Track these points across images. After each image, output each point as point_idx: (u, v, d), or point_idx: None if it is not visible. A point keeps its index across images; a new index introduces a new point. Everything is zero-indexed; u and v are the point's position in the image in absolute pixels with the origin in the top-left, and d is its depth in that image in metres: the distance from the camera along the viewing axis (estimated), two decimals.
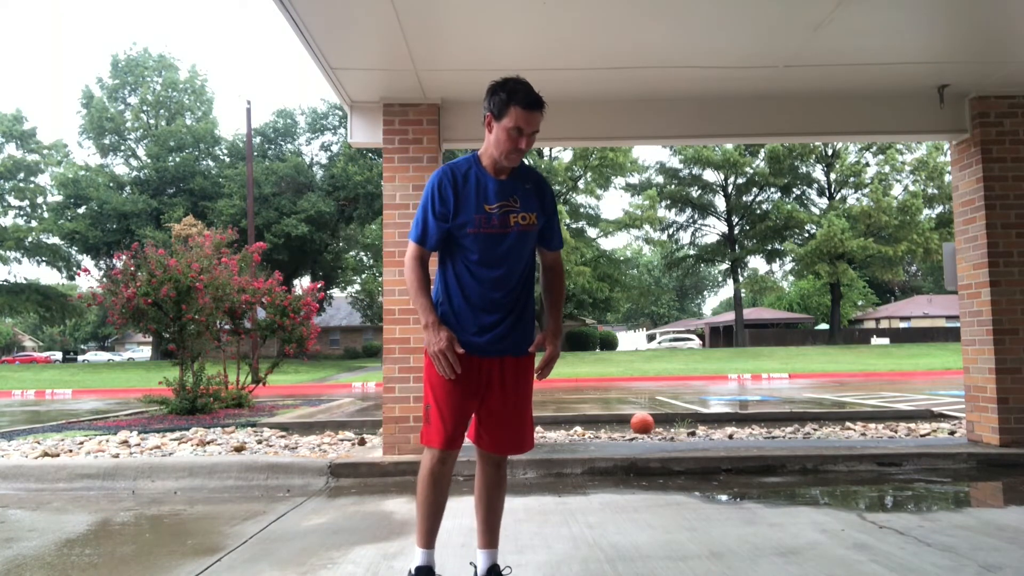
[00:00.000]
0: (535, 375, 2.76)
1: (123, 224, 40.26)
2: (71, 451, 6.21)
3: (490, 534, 2.78)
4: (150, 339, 46.10)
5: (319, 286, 11.79)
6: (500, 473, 2.79)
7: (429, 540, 2.73)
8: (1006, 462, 5.34)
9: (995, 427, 5.60)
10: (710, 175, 47.46)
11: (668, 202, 47.75)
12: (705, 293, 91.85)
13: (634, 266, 58.10)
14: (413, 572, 2.72)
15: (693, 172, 47.38)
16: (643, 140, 6.20)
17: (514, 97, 2.55)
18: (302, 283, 42.64)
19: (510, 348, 2.70)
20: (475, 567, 2.78)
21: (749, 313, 56.15)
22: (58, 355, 60.00)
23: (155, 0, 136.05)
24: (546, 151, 42.34)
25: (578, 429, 7.40)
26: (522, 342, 2.72)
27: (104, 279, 10.37)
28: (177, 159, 42.71)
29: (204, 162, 44.43)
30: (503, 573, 2.74)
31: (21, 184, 41.67)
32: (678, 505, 4.24)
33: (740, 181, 46.99)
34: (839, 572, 2.98)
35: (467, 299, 2.66)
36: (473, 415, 2.75)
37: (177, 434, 7.20)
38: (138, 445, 6.44)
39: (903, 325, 56.69)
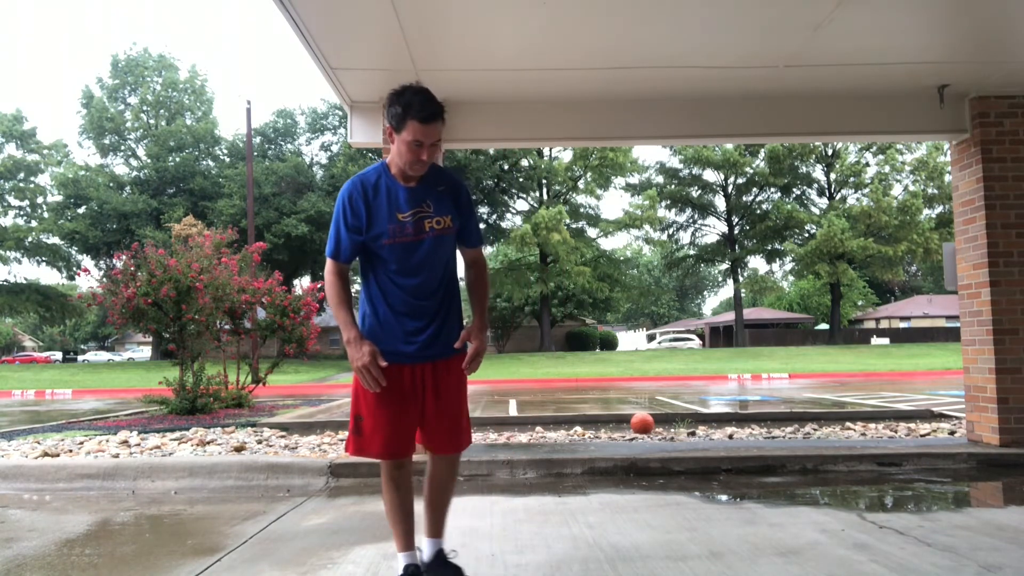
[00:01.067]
0: (464, 370, 2.75)
1: (123, 224, 40.26)
2: (71, 451, 6.21)
3: (436, 525, 2.83)
4: (150, 339, 46.10)
5: (319, 286, 11.78)
6: (450, 471, 2.84)
7: (407, 543, 2.76)
8: (1006, 462, 5.34)
9: (995, 427, 5.60)
10: (710, 175, 47.50)
11: (668, 202, 47.77)
12: (705, 293, 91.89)
13: (634, 266, 58.13)
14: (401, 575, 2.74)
15: (693, 172, 47.40)
16: (643, 140, 6.20)
17: (409, 111, 2.50)
18: (302, 283, 42.66)
19: (439, 352, 2.71)
20: (420, 551, 2.81)
21: (749, 313, 56.16)
22: (58, 355, 60.01)
23: (155, 0, 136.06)
24: (546, 151, 42.36)
25: (578, 429, 7.40)
26: (450, 344, 2.72)
27: (104, 279, 10.37)
28: (177, 159, 42.72)
29: (204, 162, 44.43)
30: (449, 557, 2.77)
31: (21, 184, 41.67)
32: (678, 505, 4.24)
33: (740, 181, 47.01)
34: (839, 572, 2.98)
35: (391, 308, 2.66)
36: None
37: (177, 434, 7.20)
38: (138, 445, 6.44)
39: (903, 325, 56.72)
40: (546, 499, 4.45)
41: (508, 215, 44.65)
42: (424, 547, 2.80)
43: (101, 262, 41.11)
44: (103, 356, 58.40)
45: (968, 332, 5.90)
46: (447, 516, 2.87)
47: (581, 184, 43.27)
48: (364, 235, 2.63)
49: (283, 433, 7.40)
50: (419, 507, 2.82)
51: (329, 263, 2.71)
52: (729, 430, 7.31)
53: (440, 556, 2.77)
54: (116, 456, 5.80)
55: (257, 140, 42.62)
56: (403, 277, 2.64)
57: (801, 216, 44.22)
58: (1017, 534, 3.50)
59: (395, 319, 2.66)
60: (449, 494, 2.86)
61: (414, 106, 2.50)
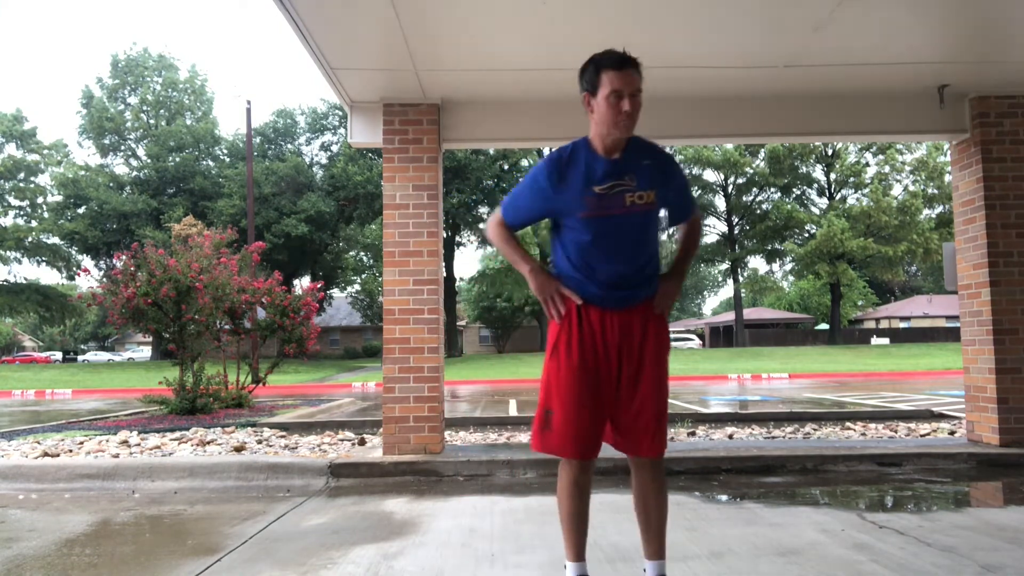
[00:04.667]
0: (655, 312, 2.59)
1: (123, 224, 40.29)
2: (71, 451, 6.21)
3: (650, 545, 2.63)
4: (150, 339, 46.05)
5: (319, 286, 11.79)
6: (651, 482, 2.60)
7: (579, 552, 2.68)
8: (1006, 462, 5.34)
9: (995, 427, 5.60)
10: (710, 175, 47.47)
11: None
12: (705, 293, 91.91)
13: None
14: None
15: (693, 172, 47.37)
16: None
17: (601, 64, 2.48)
18: (302, 283, 42.66)
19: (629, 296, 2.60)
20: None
21: (749, 313, 56.15)
22: (58, 355, 59.98)
23: (155, 0, 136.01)
24: (546, 151, 42.34)
25: None
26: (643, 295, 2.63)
27: (104, 279, 10.37)
28: (177, 159, 42.72)
29: (204, 162, 44.45)
30: None
31: (21, 184, 41.68)
32: (678, 505, 4.24)
33: (740, 181, 46.97)
34: (839, 572, 2.98)
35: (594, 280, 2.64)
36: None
37: (177, 434, 7.20)
38: (138, 445, 6.44)
39: (903, 325, 56.72)
40: (546, 499, 4.44)
41: None
42: (647, 569, 2.63)
43: (101, 262, 41.14)
44: (103, 356, 58.38)
45: (968, 332, 5.90)
46: (663, 531, 2.62)
47: None
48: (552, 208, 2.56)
49: (283, 433, 7.40)
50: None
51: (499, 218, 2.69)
52: (729, 430, 7.31)
53: None
54: (116, 456, 5.80)
55: (257, 140, 42.61)
56: (598, 251, 2.50)
57: (801, 216, 44.21)
58: (1017, 534, 3.50)
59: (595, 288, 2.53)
60: (664, 508, 2.60)
61: (604, 59, 2.46)
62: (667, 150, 2.67)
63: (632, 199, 2.49)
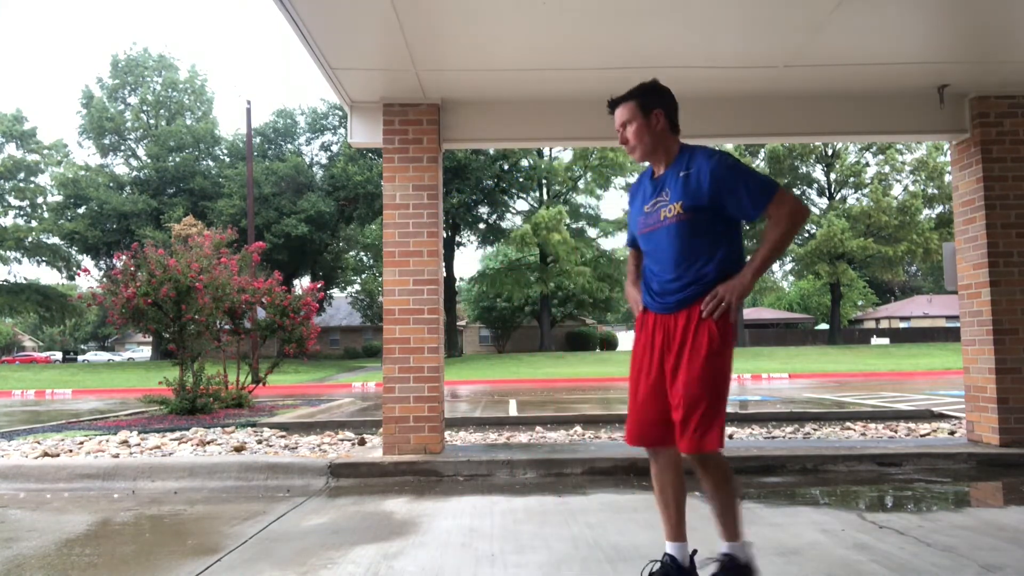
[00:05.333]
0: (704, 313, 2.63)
1: (123, 224, 40.27)
2: (71, 451, 6.21)
3: (720, 527, 2.84)
4: (150, 339, 46.12)
5: (319, 286, 11.79)
6: (703, 476, 2.82)
7: (669, 534, 2.87)
8: (1006, 462, 5.34)
9: (995, 427, 5.60)
10: None
11: None
12: None
13: None
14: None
15: None
16: None
17: None
18: (302, 283, 42.66)
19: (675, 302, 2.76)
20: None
21: (749, 313, 56.16)
22: (58, 355, 59.99)
23: (155, 0, 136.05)
24: (546, 151, 42.35)
25: (578, 429, 7.40)
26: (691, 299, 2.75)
27: (104, 279, 10.37)
28: (177, 159, 42.71)
29: (204, 162, 44.43)
30: (702, 565, 2.78)
31: (21, 184, 41.65)
32: None
33: None
34: (839, 572, 2.98)
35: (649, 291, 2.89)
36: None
37: (177, 434, 7.20)
38: (138, 445, 6.44)
39: (903, 325, 56.75)
40: (546, 499, 4.45)
41: (508, 215, 44.63)
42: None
43: (101, 262, 41.13)
44: (103, 356, 58.40)
45: (968, 332, 5.90)
46: (725, 520, 2.80)
47: (581, 184, 43.24)
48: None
49: (283, 433, 7.40)
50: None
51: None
52: (729, 430, 7.31)
53: (723, 561, 2.73)
54: (116, 456, 5.80)
55: (257, 140, 42.60)
56: (651, 263, 2.78)
57: None
58: (1017, 534, 3.50)
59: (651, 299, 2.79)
60: (716, 500, 2.80)
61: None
62: (713, 154, 2.69)
63: (665, 212, 2.68)
